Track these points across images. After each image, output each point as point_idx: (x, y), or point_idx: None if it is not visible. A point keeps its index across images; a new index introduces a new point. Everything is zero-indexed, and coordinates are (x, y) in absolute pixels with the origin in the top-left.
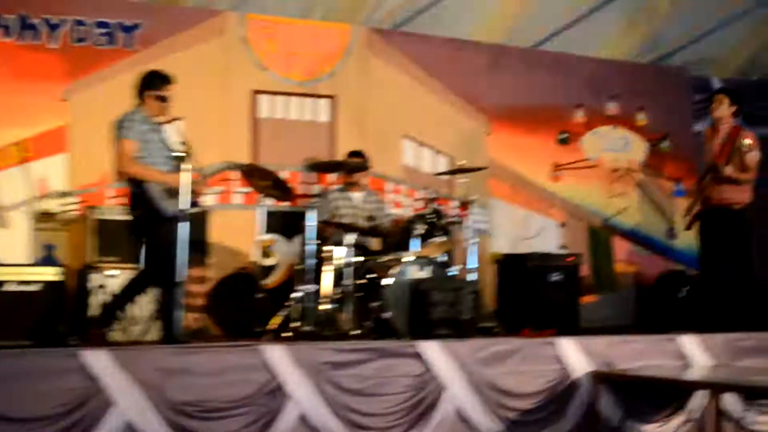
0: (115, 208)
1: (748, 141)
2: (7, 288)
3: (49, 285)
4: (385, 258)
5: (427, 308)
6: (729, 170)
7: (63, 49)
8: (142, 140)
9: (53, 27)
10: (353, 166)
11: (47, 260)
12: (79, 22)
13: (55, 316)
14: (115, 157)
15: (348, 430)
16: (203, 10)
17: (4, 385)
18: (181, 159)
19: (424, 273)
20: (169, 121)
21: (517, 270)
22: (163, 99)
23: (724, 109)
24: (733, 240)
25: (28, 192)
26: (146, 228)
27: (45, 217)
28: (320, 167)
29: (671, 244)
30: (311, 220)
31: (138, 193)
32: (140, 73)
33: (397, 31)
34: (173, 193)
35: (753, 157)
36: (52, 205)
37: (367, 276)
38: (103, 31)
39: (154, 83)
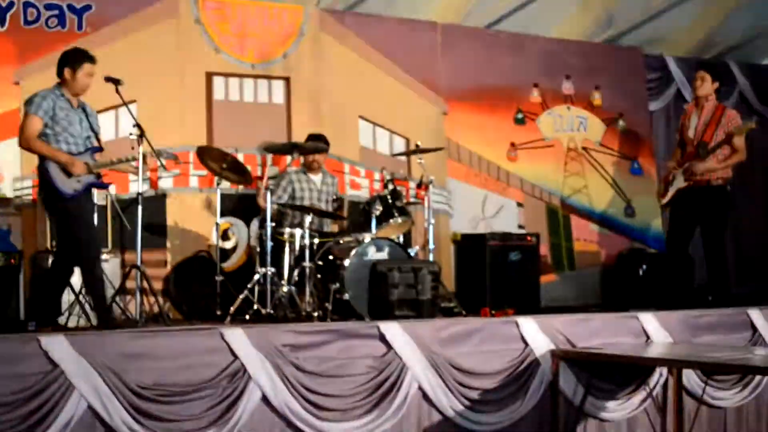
0: None
1: (740, 124)
2: None
3: (4, 270)
4: (344, 239)
5: (387, 289)
6: (721, 158)
7: (13, 32)
8: (51, 118)
9: (2, 9)
10: (310, 148)
11: (2, 245)
12: (29, 4)
13: (11, 301)
14: (20, 131)
15: (310, 411)
16: None
17: None
18: (137, 140)
19: (383, 254)
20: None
21: (476, 250)
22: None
23: (707, 87)
24: (715, 215)
25: None
26: (49, 206)
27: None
28: (277, 149)
29: (630, 222)
30: (269, 203)
31: (40, 170)
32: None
33: (350, 12)
34: (70, 173)
35: (742, 138)
36: (7, 190)
37: (326, 258)
38: (54, 13)
39: (74, 60)
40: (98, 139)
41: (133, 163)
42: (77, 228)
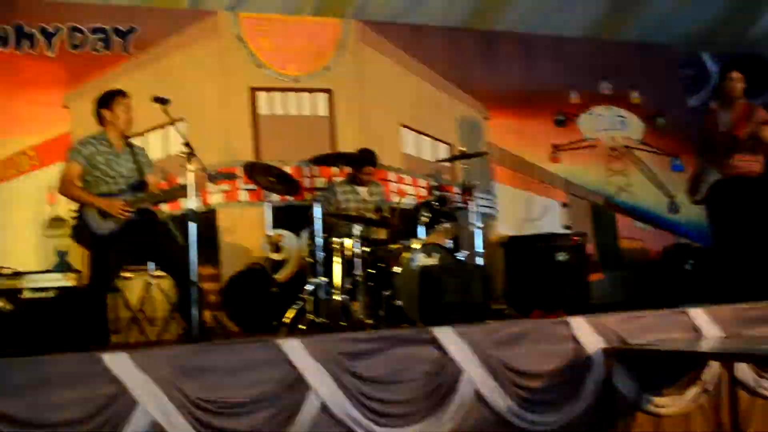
0: None
1: None
2: (24, 296)
3: (64, 291)
4: (394, 247)
5: (438, 294)
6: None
7: (61, 57)
8: (90, 164)
9: (50, 35)
10: (357, 159)
11: (60, 266)
12: (75, 29)
13: (73, 321)
14: (59, 177)
15: (370, 418)
16: (197, 11)
17: (29, 392)
18: (187, 158)
19: (433, 259)
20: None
21: (523, 252)
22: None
23: (739, 87)
24: (754, 208)
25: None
26: (85, 244)
27: (56, 223)
28: (325, 160)
29: (674, 218)
30: (318, 213)
31: (78, 214)
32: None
33: (388, 22)
34: (106, 214)
35: None
36: (62, 212)
37: (377, 265)
38: (100, 36)
39: (107, 101)
40: (143, 176)
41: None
42: (106, 268)
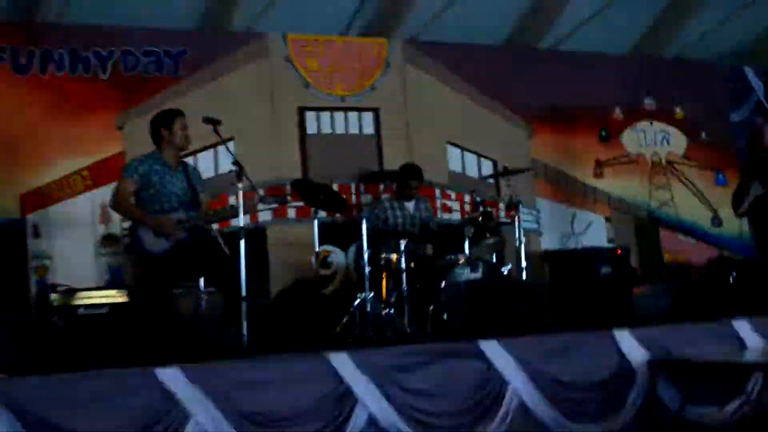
0: None
1: None
2: (78, 313)
3: (117, 306)
4: (439, 261)
5: (484, 308)
6: None
7: (114, 80)
8: (145, 182)
9: (103, 58)
10: (403, 175)
11: (113, 283)
12: (127, 53)
13: (126, 336)
14: (113, 194)
15: (417, 430)
16: (246, 34)
17: (87, 405)
18: (237, 176)
19: (478, 274)
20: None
21: (568, 266)
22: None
23: None
24: None
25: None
26: (137, 263)
27: (109, 241)
28: (371, 178)
29: (717, 231)
30: (364, 229)
31: (131, 231)
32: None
33: (432, 42)
34: (159, 233)
35: None
36: (116, 230)
37: (423, 280)
38: (151, 59)
39: (165, 120)
40: (197, 196)
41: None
42: (156, 286)
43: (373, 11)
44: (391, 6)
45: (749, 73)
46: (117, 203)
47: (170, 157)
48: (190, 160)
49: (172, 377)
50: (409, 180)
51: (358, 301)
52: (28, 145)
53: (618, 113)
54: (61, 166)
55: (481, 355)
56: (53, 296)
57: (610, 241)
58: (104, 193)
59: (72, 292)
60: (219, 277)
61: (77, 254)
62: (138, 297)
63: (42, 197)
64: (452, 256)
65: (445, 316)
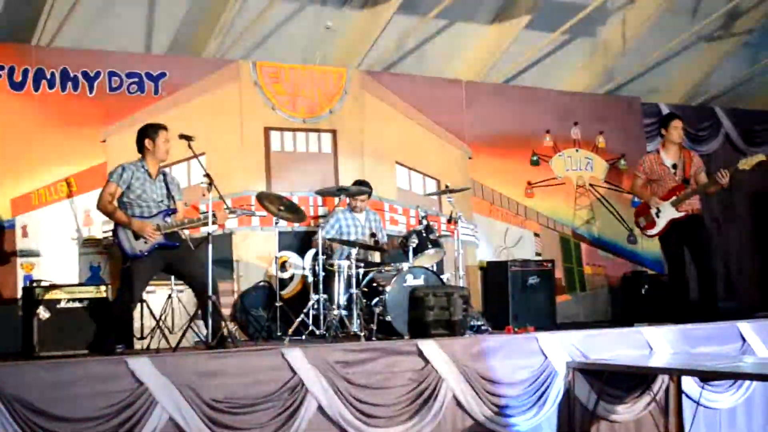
0: None
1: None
2: (61, 305)
3: (96, 301)
4: (386, 268)
5: (424, 311)
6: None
7: (100, 97)
8: (127, 187)
9: (91, 78)
10: (355, 191)
11: (93, 279)
12: (113, 73)
13: (103, 328)
14: (99, 195)
15: (360, 419)
16: (219, 60)
17: (65, 390)
18: (207, 187)
19: (420, 281)
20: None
21: (500, 275)
22: (160, 143)
23: (681, 133)
24: (705, 239)
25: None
26: (118, 260)
27: (91, 242)
28: (327, 192)
29: (632, 248)
30: (320, 238)
31: (113, 233)
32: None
33: (386, 72)
34: (138, 236)
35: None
36: (96, 232)
37: (371, 285)
38: (134, 80)
39: (151, 132)
40: (174, 203)
41: (203, 218)
42: (129, 284)
43: (334, 45)
44: (350, 42)
45: (664, 108)
46: (102, 205)
47: (152, 166)
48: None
49: (142, 366)
50: (359, 195)
51: (312, 302)
52: (19, 154)
53: (548, 140)
54: (49, 173)
55: (419, 354)
56: (38, 290)
57: (537, 254)
58: (88, 198)
59: (55, 287)
60: (190, 279)
61: (61, 253)
62: (118, 293)
63: (31, 201)
64: (397, 264)
65: (388, 318)
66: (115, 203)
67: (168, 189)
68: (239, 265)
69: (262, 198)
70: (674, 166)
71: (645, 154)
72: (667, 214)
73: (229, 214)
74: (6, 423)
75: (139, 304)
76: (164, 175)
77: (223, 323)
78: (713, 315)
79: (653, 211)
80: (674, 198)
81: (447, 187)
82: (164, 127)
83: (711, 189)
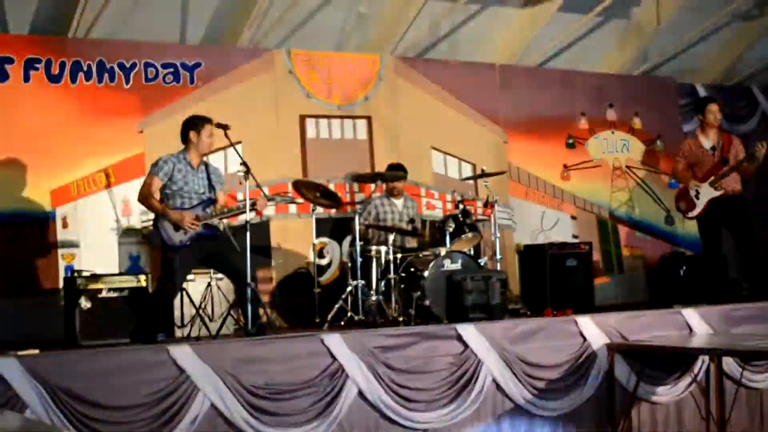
0: None
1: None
2: (101, 295)
3: (136, 290)
4: (423, 254)
5: (462, 295)
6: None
7: (136, 88)
8: (169, 179)
9: (127, 70)
10: (391, 176)
11: (133, 269)
12: (149, 64)
13: (143, 317)
14: (140, 188)
15: (400, 403)
16: (254, 49)
17: (107, 378)
18: (244, 176)
19: (457, 265)
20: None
21: (537, 258)
22: (204, 136)
23: (719, 117)
24: (746, 219)
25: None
26: (161, 252)
27: (130, 232)
28: (363, 178)
29: (669, 229)
30: (357, 224)
31: (154, 223)
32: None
33: (420, 58)
34: (178, 227)
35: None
36: (135, 222)
37: (408, 270)
38: (170, 70)
39: (196, 124)
40: (215, 194)
41: (241, 206)
42: (173, 274)
43: (368, 31)
44: (384, 28)
45: (700, 89)
46: (143, 197)
47: (194, 158)
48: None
49: (183, 354)
50: (396, 180)
51: (350, 288)
52: (58, 146)
53: (583, 123)
54: (87, 164)
55: (458, 338)
56: (79, 280)
57: (575, 236)
58: (126, 189)
59: (96, 277)
60: (229, 268)
61: (101, 243)
62: (158, 282)
63: (70, 192)
64: (435, 249)
65: (427, 303)
66: (157, 195)
67: (209, 179)
68: (277, 253)
69: (298, 186)
70: (713, 149)
71: (684, 138)
72: (705, 194)
73: (268, 201)
74: (51, 411)
75: (179, 293)
76: (206, 165)
77: (262, 310)
78: (753, 295)
79: (692, 192)
80: (712, 178)
81: (483, 171)
82: (209, 121)
83: (748, 166)
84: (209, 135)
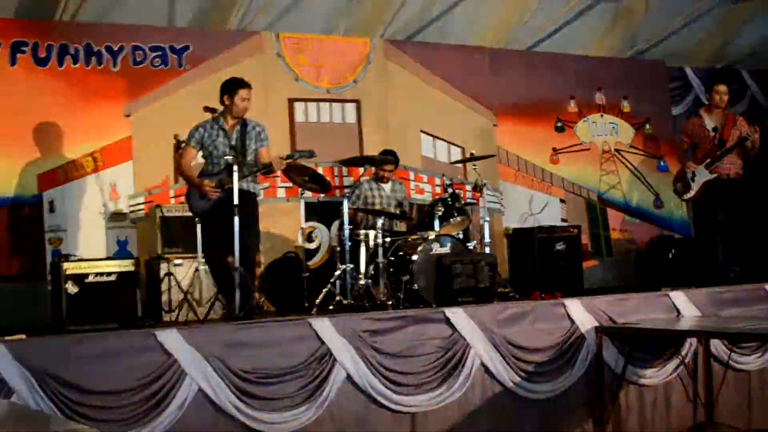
0: (176, 206)
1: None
2: (88, 280)
3: (123, 275)
4: (412, 237)
5: (450, 279)
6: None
7: (124, 72)
8: (201, 146)
9: (114, 53)
10: (380, 161)
11: (121, 253)
12: (137, 47)
13: (131, 302)
14: (178, 160)
15: (389, 387)
16: (243, 32)
17: (95, 363)
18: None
19: (446, 249)
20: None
21: (526, 242)
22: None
23: (725, 98)
24: (737, 206)
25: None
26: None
27: (117, 216)
28: (353, 162)
29: (658, 212)
30: (346, 208)
31: (186, 193)
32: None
33: (409, 41)
34: (203, 195)
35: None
36: (123, 206)
37: (397, 254)
38: (158, 54)
39: (230, 88)
40: (245, 154)
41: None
42: (205, 237)
43: (357, 14)
44: (373, 11)
45: (689, 71)
46: (179, 168)
47: (229, 121)
48: None
49: (170, 339)
50: (386, 164)
51: (338, 272)
52: (45, 130)
53: (572, 106)
54: (74, 148)
55: (446, 321)
56: (66, 265)
57: (563, 220)
58: (113, 173)
59: (83, 261)
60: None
61: (88, 227)
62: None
63: (57, 176)
64: (423, 233)
65: (415, 286)
66: (193, 165)
67: (244, 140)
68: (266, 237)
69: (287, 169)
70: (714, 129)
71: (687, 117)
72: (701, 177)
73: (285, 160)
74: (38, 396)
75: (166, 278)
76: (243, 125)
77: (250, 294)
78: (742, 279)
79: (689, 175)
80: (708, 161)
81: (472, 154)
82: (244, 85)
83: (743, 148)
84: (242, 99)
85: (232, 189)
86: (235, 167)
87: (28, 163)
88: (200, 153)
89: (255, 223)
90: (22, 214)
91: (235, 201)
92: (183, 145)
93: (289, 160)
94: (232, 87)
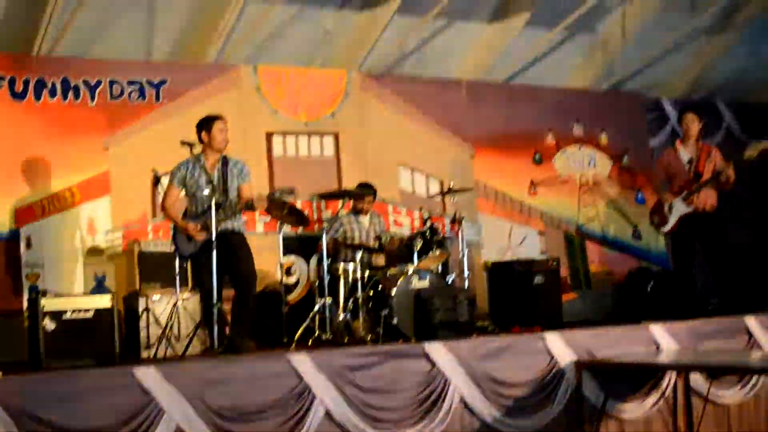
0: (154, 241)
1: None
2: (65, 316)
3: (101, 311)
4: (391, 271)
5: (429, 313)
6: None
7: (101, 106)
8: (185, 186)
9: (92, 87)
10: (358, 193)
11: (98, 289)
12: (114, 82)
13: (109, 338)
14: (162, 199)
15: (368, 423)
16: (220, 65)
17: (70, 401)
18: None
19: (425, 282)
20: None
21: (505, 275)
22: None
23: (696, 127)
24: (713, 239)
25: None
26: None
27: (94, 251)
28: (331, 195)
29: (637, 244)
30: (324, 242)
31: (172, 234)
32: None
33: (387, 74)
34: (190, 237)
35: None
36: (100, 242)
37: (376, 288)
38: (135, 87)
39: (205, 124)
40: (230, 193)
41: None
42: (201, 281)
43: (334, 47)
44: (350, 44)
45: (666, 103)
46: (163, 209)
47: (210, 158)
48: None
49: (148, 376)
50: (364, 197)
51: (317, 306)
52: (22, 164)
53: (550, 139)
54: (52, 183)
55: (426, 356)
56: (43, 301)
57: (542, 253)
58: (91, 207)
59: (60, 297)
60: (237, 276)
61: (66, 263)
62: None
63: (35, 211)
64: (402, 267)
65: (395, 321)
66: (177, 205)
67: (225, 178)
68: None
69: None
70: (690, 161)
71: (664, 149)
72: (678, 209)
73: (267, 198)
74: None
75: (144, 313)
76: (225, 163)
77: (228, 330)
78: (721, 311)
79: (666, 207)
80: (685, 193)
81: (450, 188)
82: (218, 118)
83: (717, 182)
84: (220, 131)
85: (218, 230)
86: (215, 209)
87: (5, 197)
88: (182, 192)
89: (250, 260)
90: None
91: (213, 236)
92: (166, 183)
93: (270, 200)
94: (206, 122)
